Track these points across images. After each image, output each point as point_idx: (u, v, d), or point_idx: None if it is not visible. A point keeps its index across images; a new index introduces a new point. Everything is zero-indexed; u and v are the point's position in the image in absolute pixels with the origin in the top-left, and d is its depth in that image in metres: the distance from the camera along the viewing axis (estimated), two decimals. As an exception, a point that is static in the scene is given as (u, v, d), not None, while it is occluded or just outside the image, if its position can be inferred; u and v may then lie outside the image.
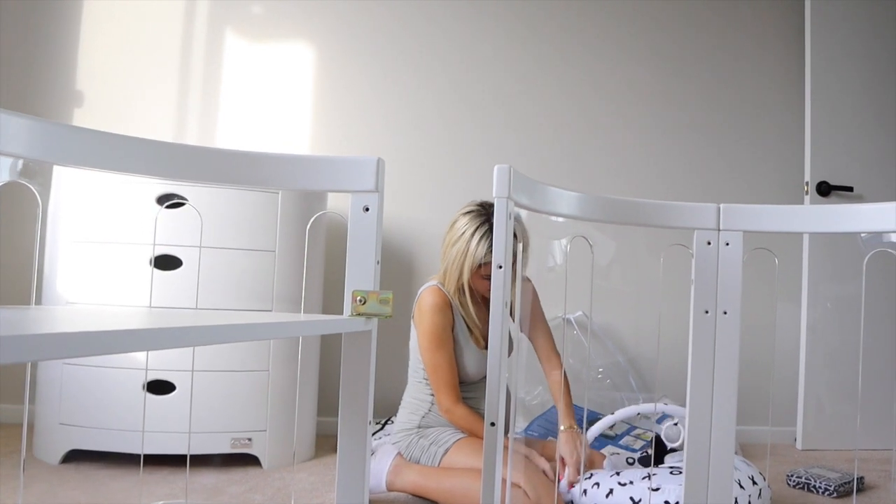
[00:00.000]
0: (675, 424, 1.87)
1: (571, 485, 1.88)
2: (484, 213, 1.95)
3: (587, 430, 1.87)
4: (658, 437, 2.06)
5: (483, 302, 2.05)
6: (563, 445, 1.96)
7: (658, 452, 2.07)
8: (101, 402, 2.19)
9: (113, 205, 2.22)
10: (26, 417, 0.88)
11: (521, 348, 2.18)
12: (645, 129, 3.11)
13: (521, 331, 2.13)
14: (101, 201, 2.22)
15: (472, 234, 1.92)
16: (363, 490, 1.05)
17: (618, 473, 1.86)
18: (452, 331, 1.98)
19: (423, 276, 2.97)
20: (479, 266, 1.93)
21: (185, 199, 2.19)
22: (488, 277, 1.91)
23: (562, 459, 1.93)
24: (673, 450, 2.09)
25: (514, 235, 1.26)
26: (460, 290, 1.97)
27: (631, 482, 1.79)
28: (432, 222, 2.96)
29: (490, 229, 1.90)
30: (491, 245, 1.89)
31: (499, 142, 3.06)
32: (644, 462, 2.07)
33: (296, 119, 3.03)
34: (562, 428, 2.00)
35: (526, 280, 2.14)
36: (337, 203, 2.65)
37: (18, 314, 0.74)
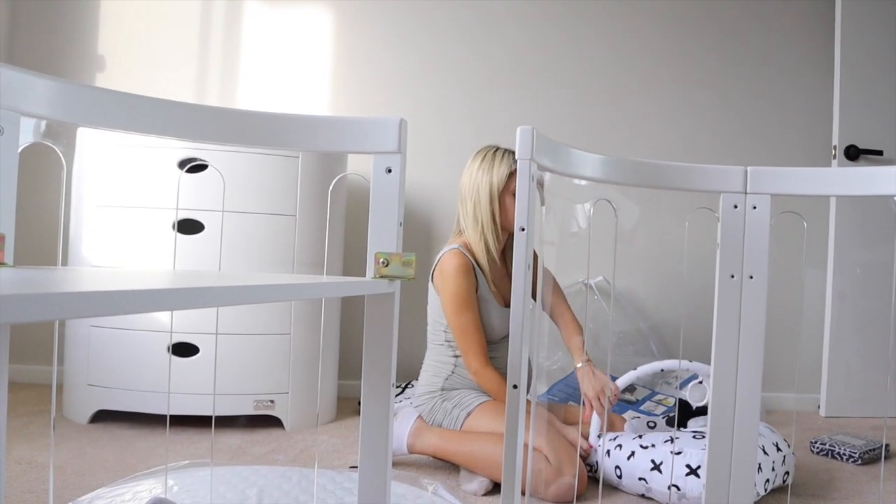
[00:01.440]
0: (700, 383, 1.86)
1: (599, 433, 1.89)
2: (493, 145, 2.03)
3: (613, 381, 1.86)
4: (681, 401, 2.05)
5: (507, 258, 2.05)
6: (583, 382, 1.94)
7: (682, 417, 2.07)
8: (127, 364, 2.22)
9: (136, 169, 2.23)
10: (55, 377, 0.89)
11: (544, 315, 2.17)
12: (668, 92, 3.06)
13: (543, 309, 2.13)
14: (125, 166, 2.23)
15: (493, 158, 1.99)
16: (386, 452, 1.06)
17: (640, 436, 1.86)
18: (476, 292, 1.98)
19: (441, 240, 2.96)
20: (506, 182, 1.96)
21: (207, 163, 2.19)
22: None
23: (588, 403, 1.92)
24: (696, 414, 2.09)
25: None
26: (494, 232, 1.97)
27: (653, 445, 1.79)
28: (451, 186, 2.93)
29: (509, 153, 1.99)
30: (514, 160, 1.93)
31: (518, 105, 3.02)
32: (668, 424, 2.06)
33: (314, 83, 3.01)
34: (578, 365, 1.97)
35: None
36: (357, 166, 2.64)
37: (45, 274, 0.74)
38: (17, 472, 1.74)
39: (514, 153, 1.94)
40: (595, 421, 1.91)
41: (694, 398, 1.88)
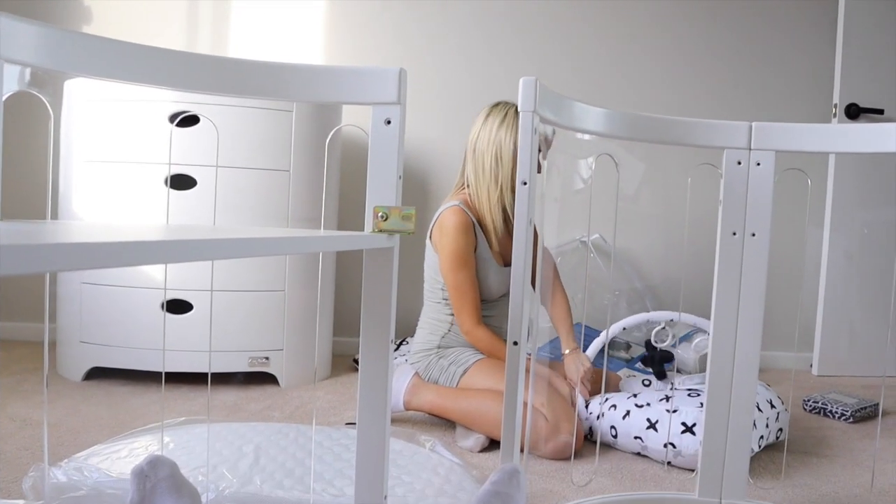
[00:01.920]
0: (664, 328, 1.87)
1: (586, 403, 1.90)
2: (510, 102, 1.96)
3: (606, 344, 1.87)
4: (651, 346, 2.05)
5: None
6: (569, 368, 1.99)
7: (655, 363, 2.06)
8: (120, 321, 2.20)
9: (125, 124, 2.18)
10: (47, 333, 0.87)
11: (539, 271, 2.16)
12: (667, 48, 3.00)
13: (542, 303, 2.13)
14: (114, 120, 2.18)
15: (516, 117, 1.89)
16: (385, 408, 1.05)
17: (635, 395, 1.86)
18: (475, 250, 1.96)
19: (436, 195, 2.93)
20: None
21: (202, 115, 2.14)
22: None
23: (572, 386, 1.95)
24: (666, 359, 2.09)
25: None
26: (511, 192, 1.93)
27: (648, 404, 1.80)
28: (446, 141, 2.91)
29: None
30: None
31: (516, 60, 2.96)
32: (645, 362, 2.08)
33: (307, 34, 2.94)
34: (566, 352, 2.02)
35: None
36: (351, 119, 2.59)
37: (36, 227, 0.72)
38: (11, 430, 1.73)
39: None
40: (580, 400, 1.92)
41: (659, 339, 1.89)
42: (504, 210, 1.96)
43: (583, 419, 1.88)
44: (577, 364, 1.97)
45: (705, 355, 2.32)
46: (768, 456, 1.81)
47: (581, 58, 2.98)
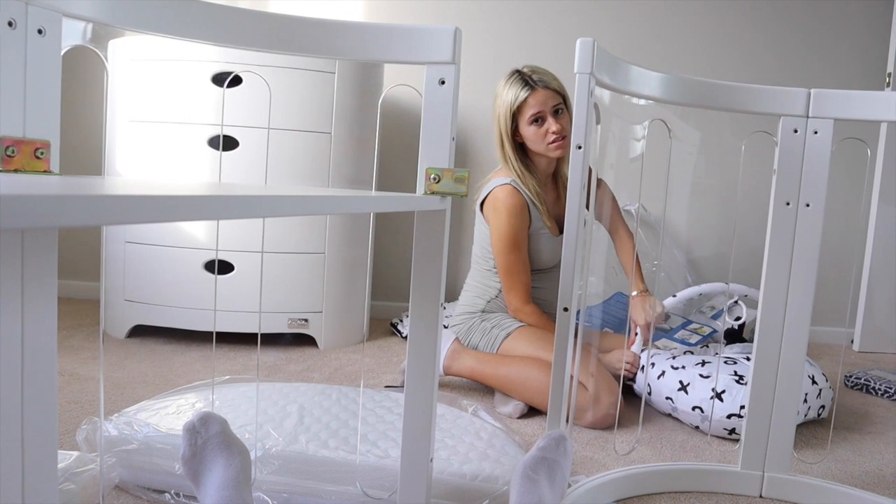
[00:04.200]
0: (737, 302, 1.84)
1: (645, 343, 1.91)
2: (513, 70, 1.93)
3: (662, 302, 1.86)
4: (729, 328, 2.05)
5: (550, 180, 2.01)
6: (635, 309, 1.94)
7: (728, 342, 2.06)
8: (163, 281, 2.23)
9: (168, 84, 2.18)
10: (103, 289, 0.88)
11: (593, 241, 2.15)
12: (719, 15, 2.91)
13: (597, 219, 2.10)
14: (157, 81, 2.19)
15: (503, 87, 1.91)
16: (433, 372, 1.05)
17: (673, 357, 1.87)
18: (529, 228, 1.94)
19: (478, 161, 2.90)
20: (516, 112, 1.88)
21: (253, 73, 2.14)
22: (535, 121, 1.87)
23: (634, 328, 1.93)
24: (738, 340, 2.08)
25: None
26: (516, 158, 1.92)
27: (683, 367, 1.81)
28: (488, 105, 2.87)
29: (519, 76, 1.89)
30: (522, 83, 1.87)
31: (563, 24, 2.90)
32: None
33: (349, -3, 2.91)
34: (634, 293, 1.97)
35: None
36: (392, 82, 2.57)
37: (95, 181, 0.72)
38: (60, 384, 1.77)
39: (521, 74, 1.88)
40: (639, 338, 1.92)
41: (732, 314, 1.87)
42: (528, 169, 1.94)
43: (638, 355, 1.91)
44: (645, 308, 1.92)
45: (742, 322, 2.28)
46: (810, 431, 1.78)
47: (632, 22, 2.91)
